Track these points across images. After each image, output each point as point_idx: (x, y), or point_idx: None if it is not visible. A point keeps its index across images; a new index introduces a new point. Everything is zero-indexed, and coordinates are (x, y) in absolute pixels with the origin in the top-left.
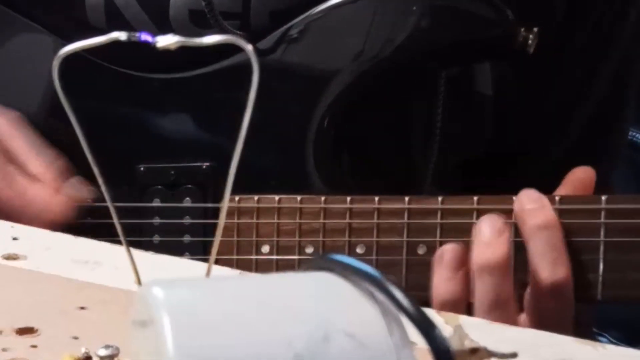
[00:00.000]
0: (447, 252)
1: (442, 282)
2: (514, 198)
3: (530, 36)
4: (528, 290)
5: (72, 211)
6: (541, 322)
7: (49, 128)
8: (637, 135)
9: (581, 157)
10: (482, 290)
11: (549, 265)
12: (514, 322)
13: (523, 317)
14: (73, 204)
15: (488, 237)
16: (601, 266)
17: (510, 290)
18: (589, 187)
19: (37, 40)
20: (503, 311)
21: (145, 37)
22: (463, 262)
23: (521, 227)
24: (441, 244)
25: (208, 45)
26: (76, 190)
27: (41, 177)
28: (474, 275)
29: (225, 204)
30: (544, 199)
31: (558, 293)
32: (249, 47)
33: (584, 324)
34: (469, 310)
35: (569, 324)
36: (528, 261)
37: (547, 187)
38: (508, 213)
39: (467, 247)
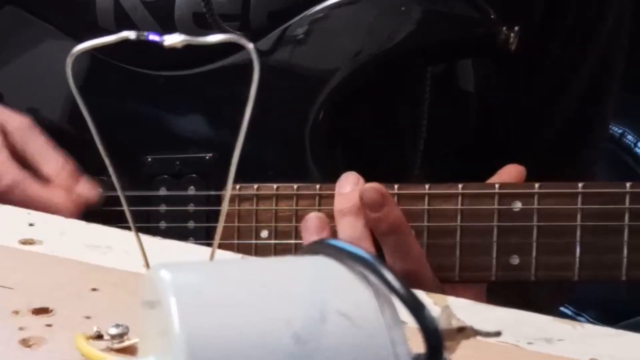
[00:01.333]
0: (311, 219)
1: None
2: (497, 185)
3: (512, 35)
4: None
5: (83, 210)
6: None
7: (66, 123)
8: (615, 128)
9: (562, 150)
10: (340, 231)
11: (399, 261)
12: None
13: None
14: (83, 204)
15: (347, 189)
16: (578, 249)
17: (362, 231)
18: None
19: (53, 41)
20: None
21: (153, 36)
22: (325, 225)
23: (372, 229)
24: (428, 228)
25: (212, 44)
26: (86, 191)
27: (54, 178)
28: (335, 221)
29: (227, 192)
30: (389, 201)
31: (413, 280)
32: (250, 46)
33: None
34: None
35: None
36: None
37: (529, 178)
38: (490, 197)
39: (326, 215)
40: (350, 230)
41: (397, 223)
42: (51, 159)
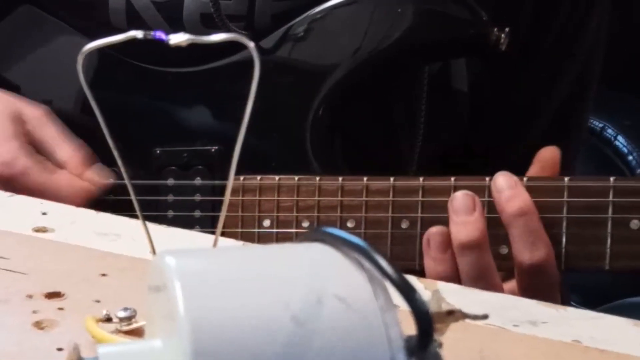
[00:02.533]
0: (434, 235)
1: (434, 263)
2: (487, 178)
3: (503, 35)
4: (514, 268)
5: (94, 194)
6: (531, 294)
7: (79, 117)
8: (596, 123)
9: (548, 143)
10: (464, 265)
11: (528, 247)
12: (499, 288)
13: (511, 285)
14: (95, 188)
15: (462, 218)
16: (564, 240)
17: (489, 262)
18: (555, 165)
19: (67, 38)
20: (487, 281)
21: (159, 35)
22: (448, 244)
23: (500, 213)
24: (422, 219)
25: (215, 43)
26: (97, 176)
27: (67, 163)
28: (456, 253)
29: (229, 183)
30: (519, 185)
31: (539, 271)
32: (250, 44)
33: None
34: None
35: (556, 294)
36: (510, 242)
37: (518, 171)
38: (481, 190)
39: (448, 230)
40: (477, 264)
41: (530, 207)
42: (64, 146)
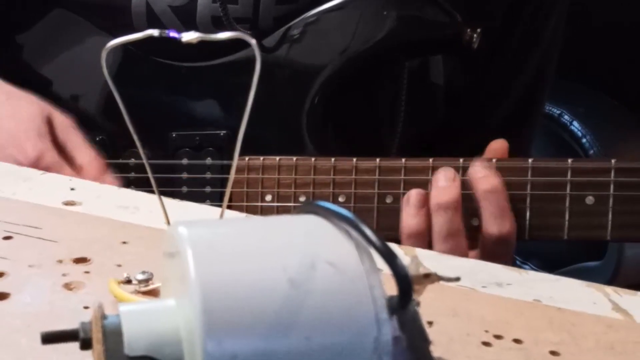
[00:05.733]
0: (413, 195)
1: (409, 218)
2: (461, 160)
3: (475, 35)
4: (481, 238)
5: None
6: (491, 259)
7: (105, 106)
8: (554, 110)
9: (511, 128)
10: (438, 224)
11: (498, 221)
12: (464, 251)
13: (473, 253)
14: None
15: (443, 183)
16: (528, 213)
17: (459, 225)
18: (504, 155)
19: (95, 38)
20: (454, 241)
21: (173, 33)
22: (425, 202)
23: (474, 191)
24: (404, 194)
25: (222, 40)
26: (109, 183)
27: (86, 168)
28: (432, 213)
29: (234, 163)
30: (492, 168)
31: (504, 242)
32: (252, 41)
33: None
34: (429, 244)
35: (510, 260)
36: (480, 215)
37: (482, 153)
38: (455, 169)
39: (427, 192)
40: (449, 224)
41: (499, 186)
42: (85, 152)
